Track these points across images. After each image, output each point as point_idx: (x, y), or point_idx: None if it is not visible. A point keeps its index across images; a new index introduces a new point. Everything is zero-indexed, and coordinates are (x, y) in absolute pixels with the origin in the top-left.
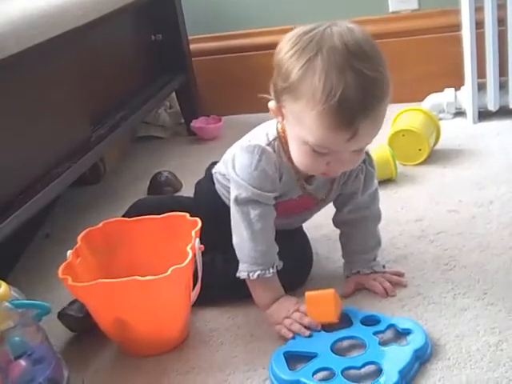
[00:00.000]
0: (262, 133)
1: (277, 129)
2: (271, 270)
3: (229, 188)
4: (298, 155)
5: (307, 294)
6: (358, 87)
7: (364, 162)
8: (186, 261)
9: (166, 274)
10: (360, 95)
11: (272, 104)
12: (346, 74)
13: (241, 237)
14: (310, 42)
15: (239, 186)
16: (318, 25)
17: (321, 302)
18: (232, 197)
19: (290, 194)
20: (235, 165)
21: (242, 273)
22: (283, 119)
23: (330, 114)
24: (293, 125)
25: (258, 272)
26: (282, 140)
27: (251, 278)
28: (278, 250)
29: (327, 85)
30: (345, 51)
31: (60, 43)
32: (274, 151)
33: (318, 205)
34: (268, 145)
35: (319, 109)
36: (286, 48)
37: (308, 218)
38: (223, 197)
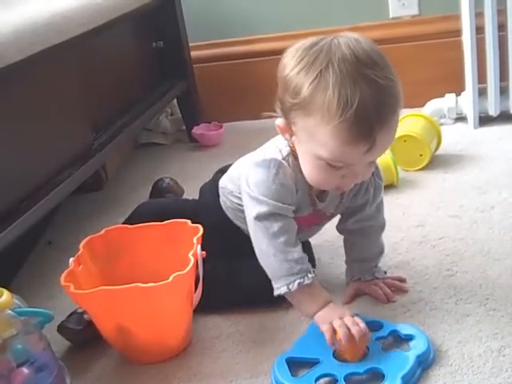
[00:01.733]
0: (275, 149)
1: (288, 145)
2: (310, 275)
3: (236, 204)
4: (310, 171)
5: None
6: (373, 96)
7: (372, 174)
8: (188, 267)
9: (167, 281)
10: (375, 104)
11: (280, 121)
12: (360, 84)
13: (268, 253)
14: (318, 55)
15: (259, 201)
16: (321, 38)
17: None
18: (252, 215)
19: (300, 211)
20: (249, 182)
21: (280, 289)
22: (291, 136)
23: (347, 127)
24: (305, 141)
25: (298, 281)
26: (294, 156)
27: (291, 289)
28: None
29: (342, 97)
30: (355, 61)
31: (62, 50)
32: (289, 166)
33: (327, 219)
34: (283, 160)
35: (335, 123)
36: (291, 64)
37: (316, 232)
38: (227, 211)
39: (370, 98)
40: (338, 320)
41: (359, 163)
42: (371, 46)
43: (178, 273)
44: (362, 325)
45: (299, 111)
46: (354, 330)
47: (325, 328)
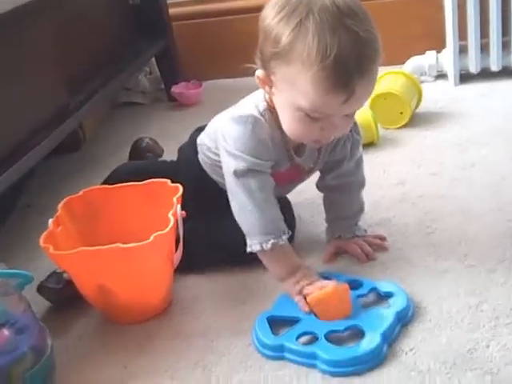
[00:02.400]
0: (251, 104)
1: (265, 99)
2: (284, 237)
3: (214, 160)
4: (289, 123)
5: (309, 298)
6: (353, 46)
7: (350, 129)
8: (168, 227)
9: (148, 241)
10: (355, 54)
11: (260, 72)
12: (340, 33)
13: (245, 209)
14: (298, 4)
15: (236, 157)
16: None
17: (327, 304)
18: (230, 171)
19: (278, 166)
20: (226, 137)
21: (253, 246)
22: (271, 88)
23: (326, 75)
24: (285, 91)
25: (272, 240)
26: (271, 111)
27: (265, 248)
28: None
29: (321, 45)
30: (336, 11)
31: (35, 8)
32: (266, 121)
33: (306, 175)
34: (260, 115)
35: (314, 70)
36: (272, 13)
37: (294, 188)
38: (205, 167)
39: (349, 47)
40: (309, 286)
41: (338, 114)
42: None
43: (159, 232)
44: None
45: (279, 60)
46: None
47: (296, 299)
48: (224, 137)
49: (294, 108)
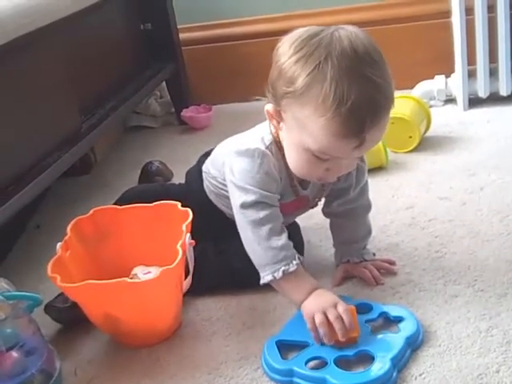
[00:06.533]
0: (257, 137)
1: (271, 133)
2: (294, 262)
3: (219, 189)
4: (295, 161)
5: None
6: (369, 95)
7: None
8: (176, 261)
9: (155, 277)
10: (370, 103)
11: (270, 107)
12: (358, 81)
13: (252, 240)
14: (317, 46)
15: (245, 190)
16: (323, 28)
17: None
18: (238, 203)
19: (283, 199)
20: (234, 171)
21: (266, 277)
22: (279, 123)
23: (340, 122)
24: (294, 130)
25: (283, 268)
26: (277, 144)
27: (277, 277)
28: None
29: (338, 92)
30: (354, 57)
31: (49, 33)
32: (272, 155)
33: (311, 204)
34: (266, 149)
35: (328, 116)
36: (289, 52)
37: (300, 214)
38: (210, 195)
39: (365, 96)
40: (320, 315)
41: (347, 157)
42: (370, 42)
43: (167, 267)
44: (346, 317)
45: (292, 100)
46: (336, 328)
47: (309, 326)
48: (232, 170)
49: (301, 147)
